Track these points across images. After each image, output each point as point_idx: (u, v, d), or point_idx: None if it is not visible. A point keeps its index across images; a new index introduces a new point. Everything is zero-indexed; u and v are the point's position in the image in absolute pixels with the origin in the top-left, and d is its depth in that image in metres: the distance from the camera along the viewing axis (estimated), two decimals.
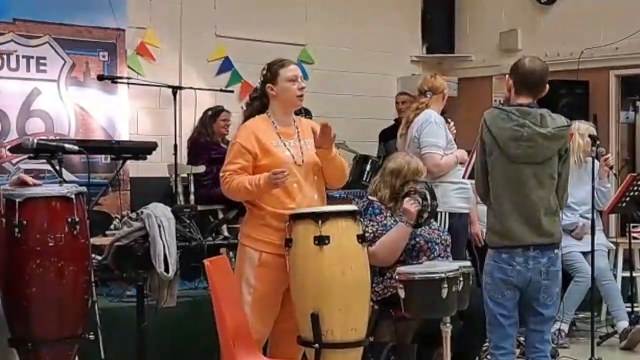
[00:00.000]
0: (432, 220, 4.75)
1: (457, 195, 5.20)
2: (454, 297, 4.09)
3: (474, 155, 4.87)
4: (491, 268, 4.09)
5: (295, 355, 4.34)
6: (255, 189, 4.21)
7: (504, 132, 4.00)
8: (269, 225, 4.27)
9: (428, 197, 4.51)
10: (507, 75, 4.14)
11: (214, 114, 7.47)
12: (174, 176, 6.80)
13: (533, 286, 4.05)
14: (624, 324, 6.38)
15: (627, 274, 6.98)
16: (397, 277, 4.18)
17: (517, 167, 4.01)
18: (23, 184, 3.94)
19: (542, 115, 4.05)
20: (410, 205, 4.50)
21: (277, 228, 4.24)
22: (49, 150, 4.66)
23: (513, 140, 3.98)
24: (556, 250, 4.11)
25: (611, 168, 6.13)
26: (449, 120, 5.54)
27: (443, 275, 4.05)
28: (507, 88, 4.12)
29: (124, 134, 7.57)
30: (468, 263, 4.35)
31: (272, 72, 4.38)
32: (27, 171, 6.64)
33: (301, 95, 4.38)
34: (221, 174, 4.33)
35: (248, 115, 4.48)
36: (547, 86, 4.18)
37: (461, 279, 4.14)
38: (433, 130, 5.32)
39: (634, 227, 6.98)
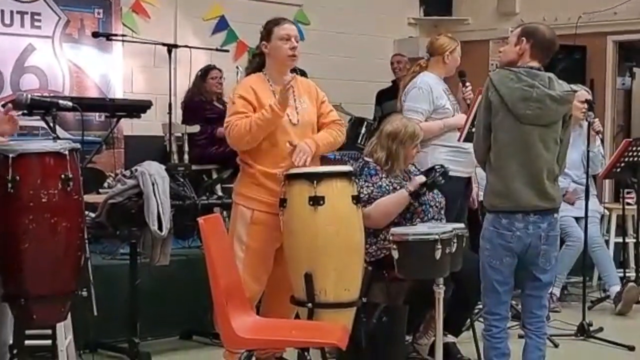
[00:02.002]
0: None
1: (449, 157, 5.17)
2: (447, 259, 4.07)
3: (470, 118, 4.86)
4: (490, 234, 4.04)
5: (288, 314, 4.36)
6: (266, 121, 4.17)
7: (513, 92, 3.95)
8: (261, 184, 4.27)
9: (439, 179, 4.51)
10: (521, 38, 4.07)
11: (203, 73, 7.45)
12: (168, 135, 6.77)
13: (532, 251, 4.02)
14: (616, 288, 6.44)
15: (620, 239, 6.99)
16: (390, 237, 4.17)
17: (525, 129, 3.96)
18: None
19: (550, 78, 4.02)
20: (419, 178, 4.51)
21: (270, 187, 4.24)
22: (43, 107, 4.61)
23: (522, 100, 3.94)
24: (555, 215, 4.08)
25: (598, 132, 6.10)
26: (467, 83, 5.41)
27: (437, 236, 4.03)
28: (519, 51, 4.04)
29: (118, 92, 7.55)
30: (462, 225, 4.33)
31: (267, 30, 4.39)
32: (20, 127, 6.68)
33: (293, 55, 4.36)
34: (226, 123, 4.28)
35: (249, 73, 4.48)
36: None
37: (455, 240, 4.12)
38: (414, 95, 5.25)
39: (627, 192, 7.00)
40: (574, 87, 6.29)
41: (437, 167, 4.61)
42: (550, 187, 4.03)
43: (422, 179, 4.54)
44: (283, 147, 4.25)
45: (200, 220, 3.51)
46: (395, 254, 4.09)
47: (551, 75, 4.05)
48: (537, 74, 4.01)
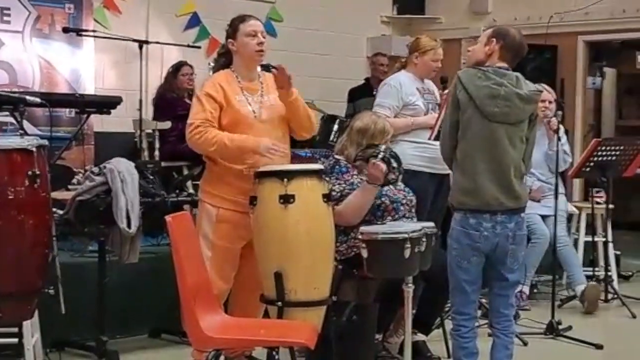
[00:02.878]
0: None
1: (415, 152, 5.20)
2: (417, 257, 4.06)
3: (441, 117, 4.87)
4: (457, 233, 4.04)
5: (256, 312, 4.35)
6: (235, 149, 4.17)
7: (481, 90, 3.97)
8: (226, 182, 4.27)
9: (393, 161, 4.48)
10: (491, 39, 4.08)
11: (174, 70, 7.44)
12: (138, 132, 6.73)
13: (500, 251, 4.03)
14: (582, 287, 6.47)
15: (590, 238, 7.04)
16: (360, 236, 4.16)
17: (492, 126, 3.97)
18: None
19: (518, 77, 4.04)
20: (376, 169, 4.45)
21: (235, 184, 4.23)
22: (11, 102, 4.57)
23: (490, 98, 3.96)
24: (522, 214, 4.10)
25: (555, 131, 6.12)
26: (446, 90, 5.41)
27: (406, 235, 4.01)
28: (488, 51, 4.07)
29: (89, 88, 7.47)
30: (431, 224, 4.32)
31: (232, 27, 4.40)
32: None
33: (260, 50, 4.35)
34: (190, 122, 4.23)
35: (215, 70, 4.47)
36: None
37: (424, 239, 4.11)
38: (384, 91, 5.36)
39: (597, 192, 7.04)
40: (538, 86, 6.39)
41: (371, 145, 4.55)
42: (517, 184, 4.04)
43: (382, 165, 4.43)
44: None
45: (168, 218, 3.48)
46: (365, 253, 4.08)
47: (518, 74, 4.08)
48: (505, 73, 4.03)
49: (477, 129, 3.99)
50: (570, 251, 6.62)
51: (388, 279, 4.36)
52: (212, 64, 4.61)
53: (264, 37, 4.37)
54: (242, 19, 4.40)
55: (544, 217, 6.49)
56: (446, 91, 5.37)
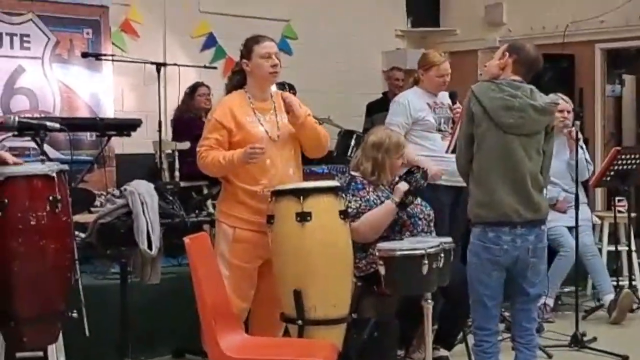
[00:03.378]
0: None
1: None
2: (435, 273, 4.06)
3: (457, 131, 4.88)
4: (477, 248, 4.03)
5: (276, 331, 4.37)
6: (228, 165, 4.27)
7: (495, 102, 3.98)
8: (241, 201, 4.32)
9: (422, 182, 4.51)
10: (505, 53, 4.10)
11: (191, 90, 7.52)
12: (158, 153, 6.79)
13: (521, 264, 4.01)
14: (609, 297, 6.41)
15: (613, 247, 7.00)
16: (377, 253, 4.17)
17: (507, 138, 3.97)
18: (3, 162, 3.92)
19: (532, 90, 4.05)
20: (402, 185, 4.50)
21: (251, 204, 4.28)
22: (31, 128, 4.63)
23: (505, 109, 3.96)
24: (542, 227, 4.07)
25: (577, 140, 6.11)
26: (456, 104, 5.44)
27: (423, 251, 4.01)
28: (501, 65, 4.09)
29: (109, 111, 7.53)
30: (449, 239, 4.31)
31: (247, 48, 4.45)
32: (12, 149, 6.68)
33: (274, 72, 4.40)
34: (198, 149, 4.40)
35: (229, 90, 4.55)
36: None
37: (442, 255, 4.10)
38: (392, 110, 5.45)
39: (619, 200, 7.00)
40: (552, 96, 6.38)
41: (413, 169, 4.61)
42: (536, 195, 4.03)
43: (405, 186, 4.51)
44: (262, 164, 4.29)
45: (186, 239, 3.52)
46: (382, 270, 4.09)
47: (533, 87, 4.08)
48: (519, 86, 4.04)
49: (492, 141, 3.99)
50: (599, 261, 6.56)
51: (408, 295, 4.36)
52: (226, 83, 4.67)
53: (278, 59, 4.42)
54: (256, 40, 4.45)
55: (569, 228, 6.44)
56: (455, 106, 5.40)
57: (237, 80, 4.52)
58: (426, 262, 4.01)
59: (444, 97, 5.59)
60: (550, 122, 4.10)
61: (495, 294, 4.05)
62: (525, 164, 4.00)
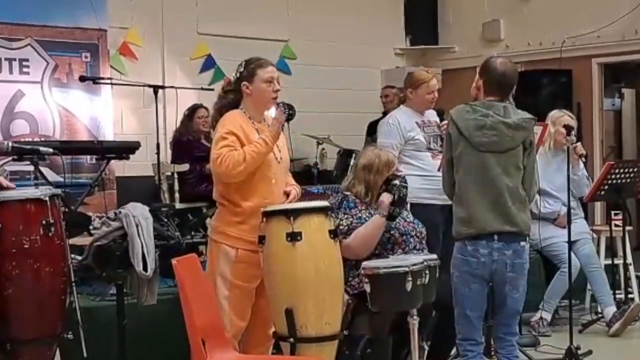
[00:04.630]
0: (406, 212, 4.80)
1: (423, 185, 5.27)
2: (419, 290, 4.11)
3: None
4: (457, 261, 4.16)
5: (266, 347, 4.42)
6: (257, 153, 4.22)
7: (468, 123, 4.10)
8: (245, 222, 4.32)
9: (403, 190, 4.55)
10: (478, 75, 4.20)
11: (190, 112, 7.56)
12: (157, 175, 6.85)
13: (498, 278, 4.11)
14: (611, 309, 6.41)
15: (610, 261, 7.02)
16: (362, 271, 4.22)
17: (482, 156, 4.09)
18: None
19: (506, 107, 4.15)
20: (386, 197, 4.55)
21: (254, 224, 4.28)
22: (25, 153, 4.70)
23: (477, 129, 4.07)
24: (522, 243, 4.15)
25: (581, 156, 6.16)
26: (444, 121, 5.46)
27: (407, 269, 4.06)
28: (475, 87, 4.19)
29: (108, 134, 7.60)
30: (434, 256, 4.37)
31: (249, 70, 4.40)
32: (12, 172, 6.79)
33: (275, 98, 4.42)
34: (216, 154, 4.25)
35: (220, 107, 4.50)
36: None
37: (426, 271, 4.16)
38: (383, 132, 5.51)
39: (615, 214, 7.03)
40: (557, 112, 6.43)
41: (390, 177, 4.61)
42: (515, 210, 4.10)
43: (388, 197, 4.54)
44: (268, 183, 4.34)
45: (174, 261, 3.57)
46: (368, 288, 4.14)
47: (507, 105, 4.17)
48: (492, 105, 4.13)
49: (469, 160, 4.10)
50: (601, 273, 6.58)
51: (400, 312, 4.40)
52: (216, 100, 4.60)
53: (279, 84, 4.43)
54: (260, 64, 4.42)
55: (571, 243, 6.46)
56: (444, 123, 5.44)
57: (231, 99, 4.47)
58: (410, 279, 4.06)
59: (431, 114, 5.64)
60: (526, 138, 4.16)
61: (476, 305, 4.16)
62: (502, 181, 4.09)
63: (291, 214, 4.11)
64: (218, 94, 4.66)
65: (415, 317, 4.13)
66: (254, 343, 4.41)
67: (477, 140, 4.06)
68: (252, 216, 4.30)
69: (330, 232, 4.19)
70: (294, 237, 4.08)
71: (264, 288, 4.28)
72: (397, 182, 4.57)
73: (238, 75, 4.47)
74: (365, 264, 4.26)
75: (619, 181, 6.45)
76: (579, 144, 6.14)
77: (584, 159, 6.29)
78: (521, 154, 4.15)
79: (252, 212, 4.31)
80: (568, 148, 5.73)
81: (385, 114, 8.76)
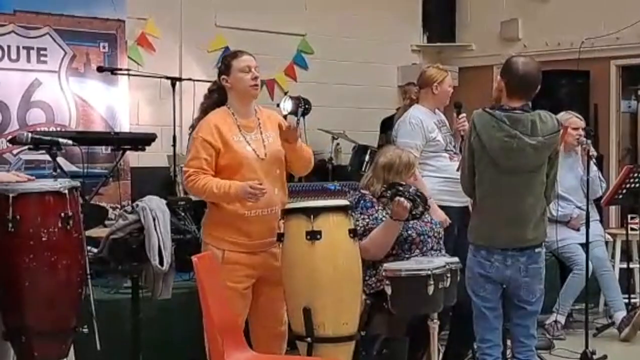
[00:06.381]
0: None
1: (442, 187, 5.22)
2: (441, 293, 4.09)
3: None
4: (471, 262, 4.15)
5: (279, 345, 4.39)
6: (223, 196, 4.19)
7: (494, 143, 3.98)
8: (229, 223, 4.27)
9: (417, 198, 4.49)
10: (499, 77, 4.11)
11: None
12: (173, 167, 6.83)
13: (513, 283, 4.08)
14: (621, 314, 6.39)
15: (625, 265, 6.98)
16: (383, 273, 4.19)
17: (508, 178, 4.01)
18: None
19: (533, 122, 4.02)
20: (400, 206, 4.46)
21: (239, 227, 4.25)
22: (44, 144, 4.69)
23: (504, 151, 3.97)
24: (537, 249, 4.11)
25: (591, 157, 6.10)
26: (461, 115, 5.39)
27: (429, 272, 4.05)
28: (497, 88, 4.09)
29: (124, 125, 7.59)
30: (456, 259, 4.34)
31: (225, 64, 4.38)
32: (27, 162, 6.81)
33: (255, 85, 4.33)
34: (185, 169, 4.29)
35: (205, 108, 4.45)
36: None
37: (448, 275, 4.14)
38: (406, 131, 5.35)
39: (631, 218, 6.99)
40: (565, 114, 6.35)
41: (395, 183, 4.56)
42: (533, 228, 4.07)
43: (404, 202, 4.45)
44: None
45: (194, 258, 3.55)
46: (388, 290, 4.12)
47: (535, 116, 4.03)
48: (519, 119, 4.00)
49: (493, 179, 4.04)
50: (612, 277, 6.55)
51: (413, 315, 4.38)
52: (202, 100, 4.54)
53: (258, 72, 4.35)
54: (234, 55, 4.40)
55: (582, 245, 6.41)
56: (461, 116, 5.37)
57: (216, 98, 4.42)
58: (432, 282, 4.04)
59: (441, 115, 5.59)
60: (553, 152, 4.10)
61: (492, 305, 4.14)
62: (525, 201, 4.04)
63: (311, 213, 4.09)
64: (204, 94, 4.60)
65: (435, 320, 4.10)
66: (267, 342, 4.36)
67: (502, 163, 3.97)
68: (235, 219, 4.25)
69: (349, 231, 4.17)
70: (313, 235, 4.06)
71: (264, 286, 4.28)
72: (397, 186, 4.50)
73: (218, 72, 4.45)
74: (386, 265, 4.24)
75: (637, 185, 6.40)
76: (588, 144, 6.07)
77: (594, 160, 6.23)
78: (546, 167, 4.09)
79: (234, 215, 4.25)
80: (588, 151, 5.67)
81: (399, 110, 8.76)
